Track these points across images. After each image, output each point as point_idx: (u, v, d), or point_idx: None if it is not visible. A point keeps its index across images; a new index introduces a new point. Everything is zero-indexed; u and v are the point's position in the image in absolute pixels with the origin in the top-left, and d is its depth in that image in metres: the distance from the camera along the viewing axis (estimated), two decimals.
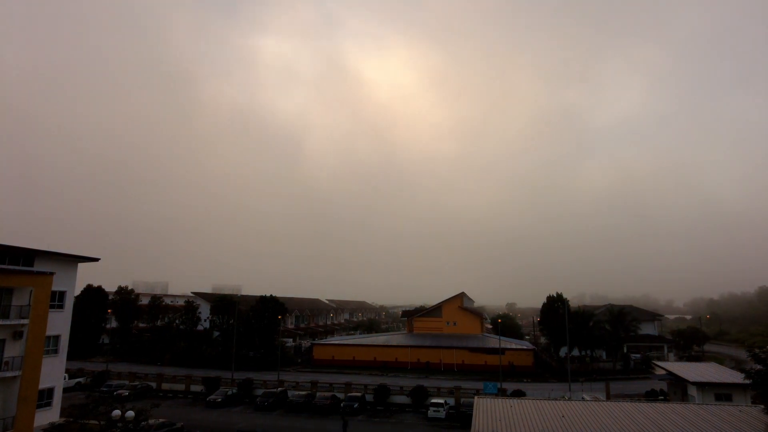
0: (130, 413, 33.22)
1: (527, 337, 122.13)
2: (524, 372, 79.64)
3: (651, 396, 57.15)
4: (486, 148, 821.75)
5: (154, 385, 65.30)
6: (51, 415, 40.98)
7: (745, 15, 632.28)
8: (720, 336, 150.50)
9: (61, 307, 42.37)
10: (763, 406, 27.81)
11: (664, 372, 53.99)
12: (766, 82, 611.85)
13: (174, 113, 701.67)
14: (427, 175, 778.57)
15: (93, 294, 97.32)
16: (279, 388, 59.98)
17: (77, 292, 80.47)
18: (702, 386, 43.69)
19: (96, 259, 47.61)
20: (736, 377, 41.23)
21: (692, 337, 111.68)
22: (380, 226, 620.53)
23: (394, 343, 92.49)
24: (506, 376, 71.10)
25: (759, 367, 27.37)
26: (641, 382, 69.32)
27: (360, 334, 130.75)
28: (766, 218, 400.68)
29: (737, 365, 60.13)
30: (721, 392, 42.80)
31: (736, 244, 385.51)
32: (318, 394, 58.41)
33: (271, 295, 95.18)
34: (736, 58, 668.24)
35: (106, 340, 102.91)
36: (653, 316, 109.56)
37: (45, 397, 40.17)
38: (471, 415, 29.68)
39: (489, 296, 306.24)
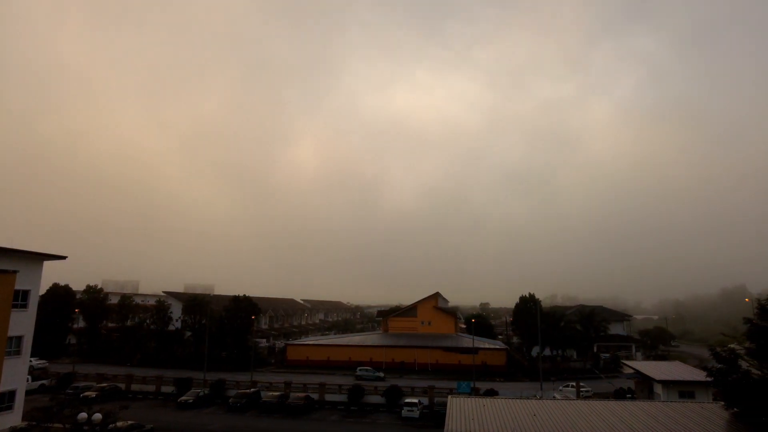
0: (98, 416, 32.38)
1: (500, 337, 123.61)
2: (497, 371, 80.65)
3: (619, 394, 58.61)
4: (467, 143, 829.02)
5: (123, 386, 63.72)
6: (12, 418, 39.54)
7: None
8: (685, 335, 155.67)
9: (24, 306, 40.92)
10: (723, 403, 28.86)
11: (632, 371, 55.52)
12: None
13: (149, 111, 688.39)
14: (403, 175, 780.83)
15: (59, 293, 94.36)
16: (252, 389, 59.31)
17: (42, 291, 78.01)
18: (667, 384, 45.15)
19: (63, 257, 46.10)
20: (698, 375, 42.66)
21: (659, 336, 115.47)
22: (354, 225, 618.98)
23: (369, 343, 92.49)
24: (479, 376, 71.89)
25: (720, 365, 28.36)
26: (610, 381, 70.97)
27: (335, 334, 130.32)
28: (734, 220, 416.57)
29: (700, 364, 62.24)
30: (685, 390, 44.28)
31: (702, 246, 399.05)
32: (292, 394, 57.98)
33: (244, 295, 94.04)
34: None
35: (73, 341, 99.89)
36: (622, 317, 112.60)
37: (6, 401, 38.72)
38: (444, 414, 29.92)
39: (463, 296, 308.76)
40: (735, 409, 27.61)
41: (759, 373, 26.77)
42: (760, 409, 25.58)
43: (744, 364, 27.78)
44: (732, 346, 29.74)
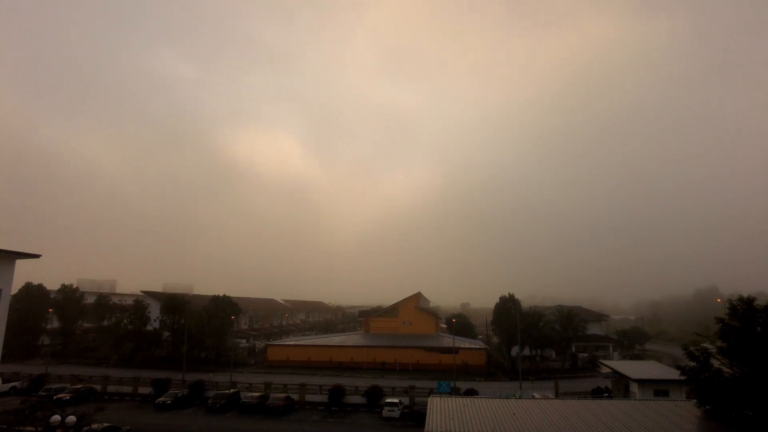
0: (71, 418, 31.68)
1: (480, 337, 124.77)
2: (477, 371, 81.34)
3: (597, 393, 59.64)
4: (453, 143, 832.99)
5: (98, 388, 62.42)
6: None
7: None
8: (660, 335, 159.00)
9: None
10: (696, 401, 29.64)
11: (609, 370, 56.58)
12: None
13: (130, 111, 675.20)
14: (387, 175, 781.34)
15: (32, 292, 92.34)
16: (231, 390, 58.67)
17: (15, 290, 75.99)
18: (642, 383, 46.16)
19: (37, 256, 44.84)
20: (672, 374, 43.68)
21: (635, 336, 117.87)
22: (336, 224, 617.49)
23: (350, 344, 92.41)
24: (460, 375, 72.36)
25: (693, 364, 29.10)
26: (588, 380, 72.23)
27: (316, 334, 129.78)
28: (707, 222, 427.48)
29: (674, 363, 63.72)
30: (660, 388, 45.35)
31: (678, 247, 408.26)
32: (272, 395, 57.56)
33: (224, 295, 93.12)
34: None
35: (47, 341, 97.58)
36: (600, 317, 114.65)
37: None
38: (425, 414, 30.06)
39: (444, 296, 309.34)
40: (707, 407, 28.37)
41: (729, 371, 27.58)
42: (730, 406, 26.38)
43: (716, 363, 28.57)
44: (704, 345, 30.54)
